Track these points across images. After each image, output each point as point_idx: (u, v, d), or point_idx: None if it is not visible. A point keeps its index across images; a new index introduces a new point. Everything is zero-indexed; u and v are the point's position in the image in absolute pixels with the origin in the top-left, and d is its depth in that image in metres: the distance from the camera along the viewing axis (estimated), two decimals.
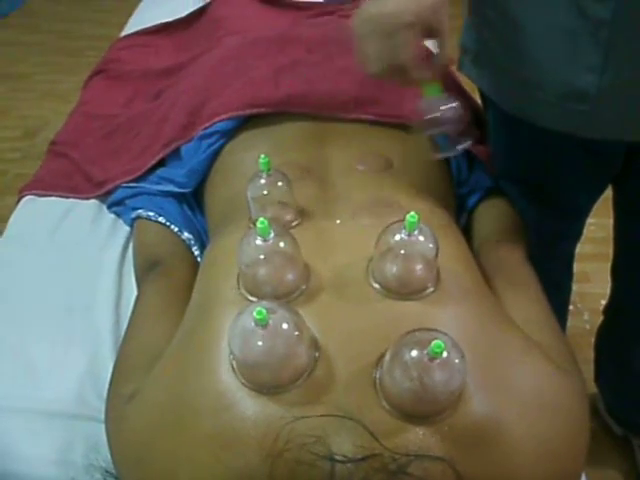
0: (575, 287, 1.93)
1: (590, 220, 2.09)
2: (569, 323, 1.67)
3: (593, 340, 1.77)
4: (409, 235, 0.70)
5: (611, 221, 2.08)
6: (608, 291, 1.89)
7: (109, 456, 0.75)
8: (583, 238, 2.06)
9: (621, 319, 1.40)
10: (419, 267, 0.72)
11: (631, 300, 1.31)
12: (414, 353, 0.60)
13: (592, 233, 2.09)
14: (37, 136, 2.69)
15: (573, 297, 1.89)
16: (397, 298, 0.73)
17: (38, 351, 0.98)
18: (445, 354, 0.59)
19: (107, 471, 0.76)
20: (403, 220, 0.70)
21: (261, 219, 0.69)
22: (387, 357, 0.64)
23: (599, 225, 2.12)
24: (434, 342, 0.58)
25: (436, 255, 0.72)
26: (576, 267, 1.98)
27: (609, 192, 2.15)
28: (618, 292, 1.37)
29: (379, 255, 0.73)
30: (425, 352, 0.59)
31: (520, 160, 1.08)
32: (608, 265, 1.99)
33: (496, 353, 0.71)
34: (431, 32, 0.80)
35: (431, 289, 0.73)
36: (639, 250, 1.18)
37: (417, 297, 0.73)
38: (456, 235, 0.87)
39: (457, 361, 0.61)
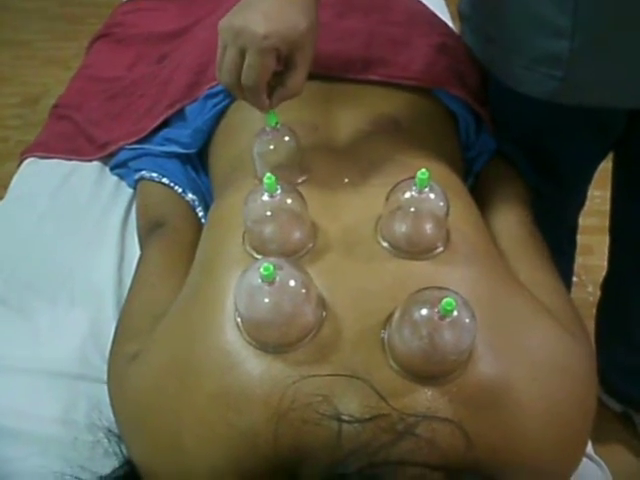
0: (579, 259, 1.92)
1: (595, 192, 2.10)
2: (572, 295, 1.66)
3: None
4: (420, 192, 0.69)
5: None
6: None
7: (112, 416, 0.75)
8: (588, 210, 2.06)
9: (621, 291, 1.37)
10: (429, 226, 0.70)
11: (630, 273, 1.28)
12: (424, 311, 0.59)
13: (597, 206, 2.08)
14: (38, 103, 2.66)
15: (577, 269, 1.88)
16: (406, 257, 0.71)
17: (40, 312, 0.97)
18: (455, 313, 0.58)
19: (110, 430, 0.75)
20: (413, 177, 0.69)
21: (268, 175, 0.68)
22: (396, 315, 0.62)
23: (604, 198, 2.09)
24: (445, 300, 0.56)
25: (447, 214, 0.71)
26: (580, 239, 1.97)
27: None
28: (617, 265, 1.34)
29: (388, 213, 0.72)
30: (435, 310, 0.58)
31: (518, 127, 1.07)
32: None
33: (506, 314, 0.70)
34: (289, 61, 0.77)
35: (441, 249, 0.72)
36: (638, 222, 1.16)
37: (426, 256, 0.71)
38: (466, 197, 0.86)
39: (467, 320, 0.60)
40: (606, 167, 2.17)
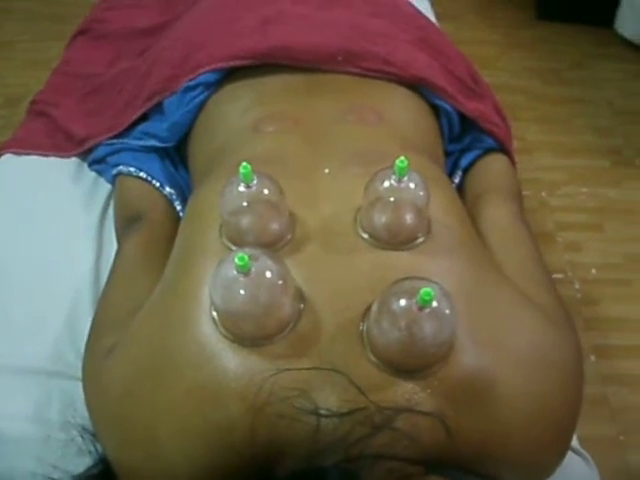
0: (566, 256, 1.93)
1: (582, 189, 2.11)
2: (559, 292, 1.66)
3: (583, 309, 1.77)
4: (399, 181, 0.67)
5: (604, 191, 2.09)
6: (599, 260, 1.90)
7: (86, 413, 0.73)
8: (575, 207, 2.08)
9: None
10: (409, 215, 0.69)
11: None
12: (402, 302, 0.58)
13: (584, 202, 2.10)
14: (20, 105, 2.61)
15: (564, 266, 1.89)
16: (386, 248, 0.69)
17: (15, 307, 0.95)
18: (435, 303, 0.56)
19: (84, 428, 0.73)
20: (392, 166, 0.67)
21: (244, 164, 0.66)
22: (374, 307, 0.61)
23: (591, 195, 2.12)
24: (423, 290, 0.55)
25: (427, 203, 0.70)
26: (567, 236, 1.98)
27: (604, 161, 2.18)
28: None
29: (368, 204, 0.70)
30: (414, 301, 0.56)
31: None
32: (600, 235, 2.00)
33: (490, 306, 0.68)
34: None
35: (421, 239, 0.70)
36: None
37: (407, 247, 0.69)
38: (448, 188, 0.85)
39: (447, 311, 0.58)
40: (596, 164, 2.21)
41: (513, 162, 1.11)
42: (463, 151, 1.10)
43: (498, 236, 0.88)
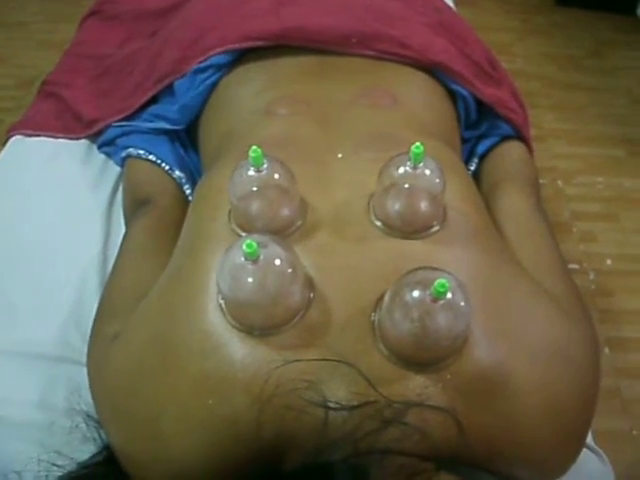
0: (581, 246, 1.90)
1: (598, 179, 2.08)
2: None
3: (598, 301, 1.74)
4: (414, 167, 0.65)
5: (619, 180, 2.06)
6: (615, 251, 1.87)
7: (91, 400, 0.72)
8: (590, 197, 2.05)
9: None
10: (424, 203, 0.66)
11: None
12: (416, 293, 0.56)
13: (599, 192, 2.07)
14: (33, 85, 2.60)
15: (579, 257, 1.86)
16: (400, 236, 0.67)
17: (21, 292, 0.94)
18: (449, 295, 0.54)
19: (88, 415, 0.72)
20: (407, 152, 0.65)
21: (254, 147, 0.64)
22: (387, 297, 0.59)
23: (607, 184, 2.09)
24: (437, 281, 0.53)
25: (442, 191, 0.67)
26: (582, 226, 1.95)
27: (620, 151, 2.15)
28: None
29: (381, 190, 0.68)
30: (428, 292, 0.54)
31: None
32: (615, 225, 1.97)
33: (505, 298, 0.66)
34: None
35: (436, 228, 0.68)
36: None
37: (421, 236, 0.67)
38: (464, 175, 0.82)
39: (462, 303, 0.56)
40: (612, 154, 2.18)
41: (530, 150, 1.09)
42: (480, 138, 1.07)
43: (514, 226, 0.85)
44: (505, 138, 1.07)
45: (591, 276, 1.82)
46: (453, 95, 1.03)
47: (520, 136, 1.08)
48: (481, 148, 1.06)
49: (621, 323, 1.69)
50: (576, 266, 1.83)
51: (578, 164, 2.16)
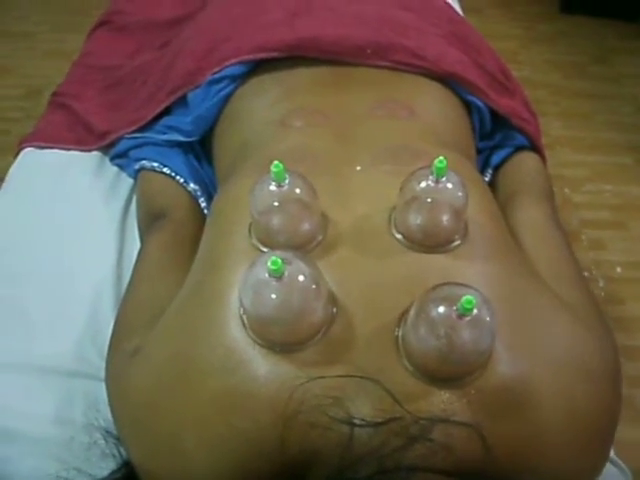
0: (590, 254, 1.90)
1: (606, 187, 2.08)
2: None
3: (609, 309, 1.73)
4: (437, 182, 0.64)
5: (627, 188, 2.06)
6: (624, 259, 1.87)
7: (110, 415, 0.71)
8: (599, 204, 2.04)
9: None
10: (446, 217, 0.66)
11: None
12: (442, 309, 0.55)
13: (608, 200, 2.06)
14: (41, 96, 2.61)
15: (588, 264, 1.86)
16: (421, 250, 0.67)
17: (36, 307, 0.93)
18: (475, 311, 0.54)
19: (107, 431, 0.71)
20: (429, 166, 0.65)
21: (276, 162, 0.64)
22: (412, 313, 0.58)
23: (615, 192, 2.09)
24: (464, 298, 0.52)
25: (465, 204, 0.67)
26: (592, 234, 1.95)
27: (627, 158, 2.15)
28: None
29: (403, 204, 0.67)
30: (454, 308, 0.54)
31: None
32: (624, 233, 1.97)
33: (526, 313, 0.66)
34: None
35: (458, 242, 0.68)
36: None
37: (443, 250, 0.67)
38: (483, 187, 0.82)
39: (488, 319, 0.56)
40: (619, 161, 2.18)
41: (544, 160, 1.08)
42: (493, 149, 1.07)
43: (531, 237, 0.85)
44: (519, 149, 1.07)
45: (601, 284, 1.82)
46: (468, 106, 1.02)
47: (534, 146, 1.08)
48: (495, 159, 1.06)
49: (633, 331, 1.68)
50: (586, 274, 1.82)
51: (586, 172, 2.15)
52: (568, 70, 2.62)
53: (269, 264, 0.55)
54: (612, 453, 0.81)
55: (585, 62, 2.66)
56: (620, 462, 0.80)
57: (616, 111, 2.41)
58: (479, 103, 1.01)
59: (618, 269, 1.86)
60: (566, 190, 2.08)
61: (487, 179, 1.05)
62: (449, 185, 0.65)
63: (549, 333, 0.66)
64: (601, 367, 0.68)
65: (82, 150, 1.19)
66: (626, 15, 2.79)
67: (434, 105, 0.97)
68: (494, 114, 1.05)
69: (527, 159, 1.05)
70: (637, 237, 1.95)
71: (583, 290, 0.79)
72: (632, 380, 1.56)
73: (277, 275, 0.56)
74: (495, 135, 1.07)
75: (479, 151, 1.06)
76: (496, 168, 1.06)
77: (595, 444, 0.66)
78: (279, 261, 0.55)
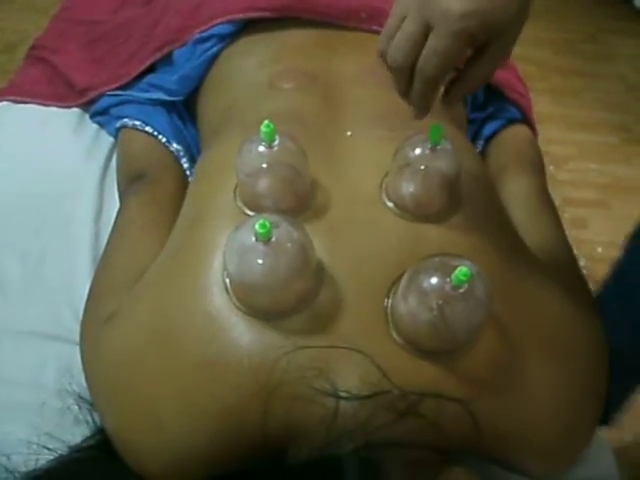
0: (572, 233, 1.88)
1: (591, 165, 2.07)
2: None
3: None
4: (432, 149, 0.62)
5: (612, 167, 2.05)
6: (605, 239, 1.86)
7: (83, 381, 0.69)
8: (583, 183, 2.03)
9: None
10: (440, 186, 0.64)
11: None
12: (435, 280, 0.53)
13: (593, 179, 2.05)
14: (16, 50, 2.55)
15: (569, 243, 1.85)
16: (413, 219, 0.65)
17: (9, 266, 0.90)
18: (470, 283, 0.52)
19: (81, 397, 0.69)
20: (424, 133, 0.62)
21: (266, 122, 0.61)
22: (403, 283, 0.57)
23: (600, 171, 2.08)
24: (459, 269, 0.51)
25: (459, 174, 0.65)
26: (574, 212, 1.94)
27: (613, 138, 2.14)
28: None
29: (396, 170, 0.65)
30: (448, 280, 0.52)
31: None
32: (607, 212, 1.96)
33: (519, 287, 0.65)
34: (482, 49, 0.58)
35: (451, 212, 0.66)
36: None
37: (436, 220, 0.65)
38: (476, 157, 0.81)
39: (482, 293, 0.54)
40: (606, 140, 2.17)
41: (535, 134, 1.07)
42: (485, 120, 1.05)
43: (523, 209, 0.84)
44: (511, 121, 1.05)
45: (582, 262, 1.81)
46: None
47: (526, 120, 1.06)
48: (488, 130, 1.04)
49: None
50: None
51: (571, 150, 2.15)
52: (559, 47, 2.60)
53: (257, 227, 0.53)
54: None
55: (576, 40, 2.65)
56: (603, 438, 0.79)
57: (605, 90, 2.41)
58: None
59: (599, 249, 1.86)
60: (551, 167, 2.06)
61: (478, 150, 1.03)
62: (444, 153, 0.63)
63: (540, 310, 0.65)
64: (590, 344, 0.67)
65: (61, 107, 1.14)
66: None
67: None
68: (487, 86, 1.03)
69: (520, 132, 1.04)
70: (620, 217, 1.95)
71: (572, 269, 0.79)
72: None
73: (265, 239, 0.54)
74: (488, 107, 1.05)
75: (470, 122, 1.04)
76: (487, 139, 1.04)
77: (580, 424, 0.66)
78: (267, 224, 0.53)
